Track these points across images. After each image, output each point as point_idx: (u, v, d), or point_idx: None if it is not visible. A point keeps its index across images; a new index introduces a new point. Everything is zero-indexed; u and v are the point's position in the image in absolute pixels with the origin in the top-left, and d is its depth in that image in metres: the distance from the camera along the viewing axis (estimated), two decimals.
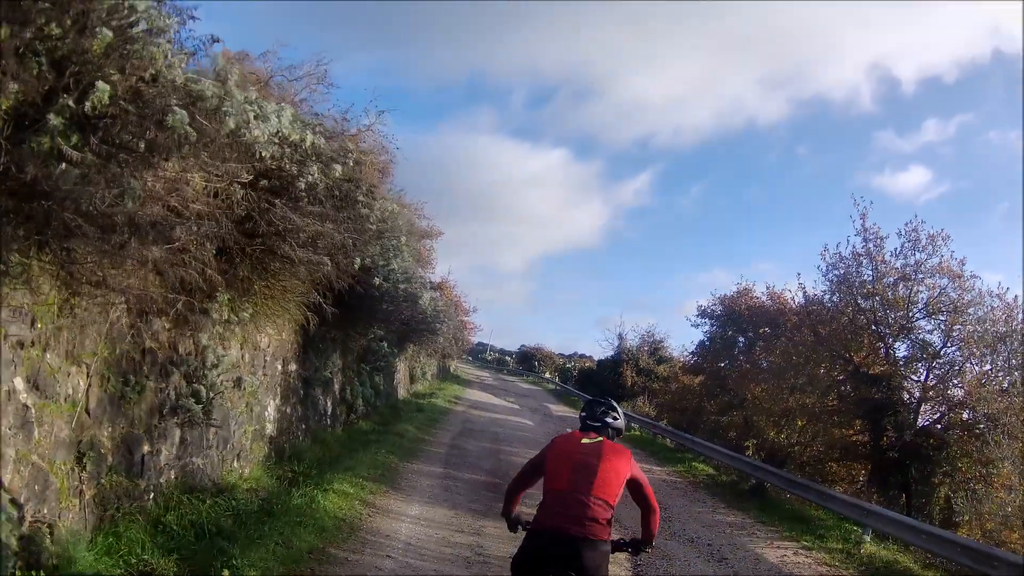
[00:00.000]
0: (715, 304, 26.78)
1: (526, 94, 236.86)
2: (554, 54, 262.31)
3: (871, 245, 17.25)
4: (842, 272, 17.85)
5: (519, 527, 4.89)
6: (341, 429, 17.09)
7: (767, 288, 25.33)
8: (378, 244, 14.72)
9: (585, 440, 4.72)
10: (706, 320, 26.92)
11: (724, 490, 17.54)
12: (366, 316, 15.21)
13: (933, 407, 17.32)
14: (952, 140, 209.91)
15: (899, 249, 16.93)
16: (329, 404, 16.35)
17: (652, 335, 51.36)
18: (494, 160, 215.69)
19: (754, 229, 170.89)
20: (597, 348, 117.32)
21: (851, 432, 18.64)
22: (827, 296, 18.70)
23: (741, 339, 25.65)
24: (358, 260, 13.34)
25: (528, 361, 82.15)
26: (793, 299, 22.57)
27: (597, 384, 49.90)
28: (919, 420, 17.07)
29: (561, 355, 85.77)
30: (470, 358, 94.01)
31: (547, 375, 73.52)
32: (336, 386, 17.00)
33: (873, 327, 17.46)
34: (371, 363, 20.22)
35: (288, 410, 13.31)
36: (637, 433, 28.51)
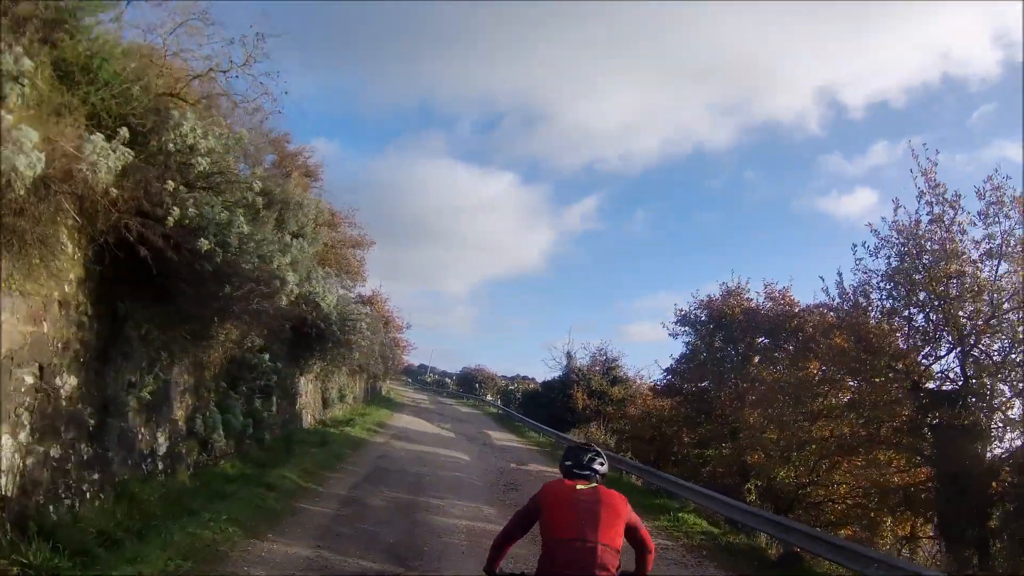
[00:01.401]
0: (697, 308, 21.48)
1: (475, 119, 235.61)
2: (502, 82, 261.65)
3: (942, 209, 12.36)
4: (899, 248, 12.92)
5: None
6: (187, 475, 11.72)
7: (765, 287, 20.32)
8: (218, 198, 9.54)
9: (581, 487, 4.53)
10: (686, 329, 21.64)
11: (739, 559, 12.33)
12: (195, 302, 9.78)
13: None
14: (900, 163, 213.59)
15: (982, 213, 12.10)
16: (161, 439, 10.99)
17: (604, 353, 46.41)
18: (442, 184, 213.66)
19: (701, 253, 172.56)
20: (543, 369, 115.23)
21: (900, 468, 13.77)
22: (877, 286, 13.78)
23: (731, 351, 20.41)
24: (176, 211, 8.21)
25: (469, 383, 76.87)
26: (798, 300, 17.83)
27: (544, 407, 44.81)
28: (1003, 451, 12.27)
29: (504, 377, 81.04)
30: (409, 380, 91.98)
31: (489, 398, 68.41)
32: (178, 412, 11.65)
33: (942, 326, 12.55)
34: (248, 382, 14.79)
35: (52, 452, 7.97)
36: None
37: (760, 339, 19.73)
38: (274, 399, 17.88)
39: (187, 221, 8.81)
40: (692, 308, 21.28)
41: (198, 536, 8.32)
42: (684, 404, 22.15)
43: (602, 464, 4.79)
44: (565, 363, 47.46)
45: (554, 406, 43.85)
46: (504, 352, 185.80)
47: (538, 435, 35.83)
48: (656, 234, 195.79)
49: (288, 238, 18.55)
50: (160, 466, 10.97)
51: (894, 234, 13.08)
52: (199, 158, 9.42)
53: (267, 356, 14.94)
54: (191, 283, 9.34)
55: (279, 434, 18.13)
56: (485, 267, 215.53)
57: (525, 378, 79.25)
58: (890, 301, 13.48)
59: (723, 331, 19.89)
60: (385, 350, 39.42)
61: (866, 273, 13.88)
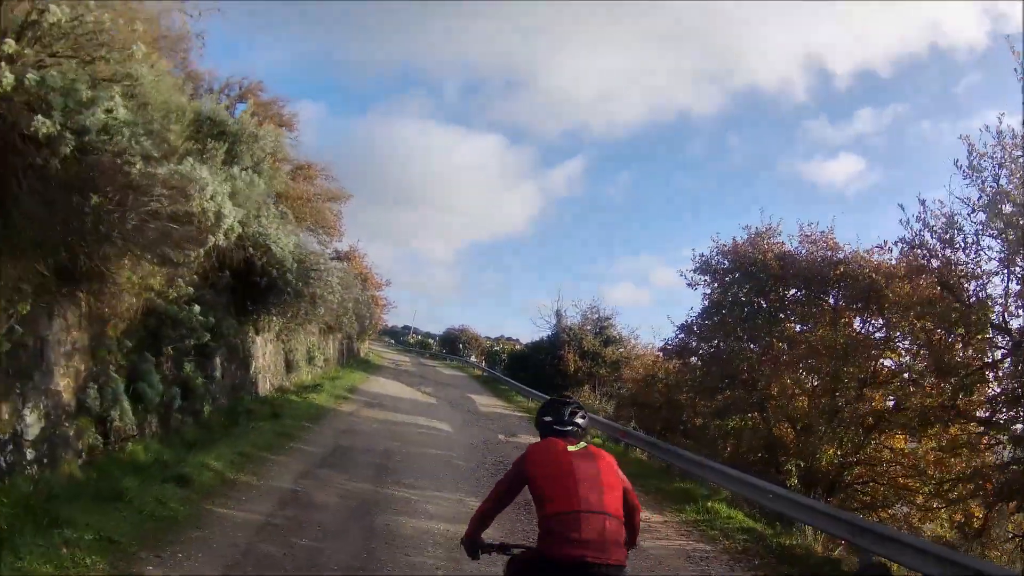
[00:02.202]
0: (719, 254, 18.39)
1: (458, 83, 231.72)
2: (484, 45, 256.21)
3: None
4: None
5: (484, 552, 4.23)
6: (76, 466, 8.81)
7: (800, 230, 17.18)
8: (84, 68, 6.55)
9: (572, 448, 4.03)
10: (706, 279, 18.59)
11: (801, 569, 9.42)
12: (44, 219, 6.76)
13: None
14: (886, 130, 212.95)
15: None
16: (30, 419, 8.04)
17: (596, 311, 43.59)
18: (425, 146, 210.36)
19: (683, 216, 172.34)
20: (528, 329, 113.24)
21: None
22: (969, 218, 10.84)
23: (760, 304, 17.31)
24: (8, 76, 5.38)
25: (452, 344, 73.97)
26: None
27: (531, 370, 42.07)
28: None
29: (488, 338, 78.35)
30: (391, 341, 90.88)
31: (473, 359, 65.63)
32: (61, 381, 8.71)
33: None
34: (175, 341, 11.78)
35: None
36: (597, 441, 20.61)
37: (792, 291, 16.79)
38: (217, 362, 15.00)
39: (26, 96, 5.80)
40: (713, 254, 18.25)
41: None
42: (701, 366, 19.23)
43: (583, 418, 4.33)
44: (554, 322, 44.71)
45: (542, 368, 41.15)
46: (487, 313, 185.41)
47: (527, 400, 33.05)
48: (639, 197, 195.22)
49: (237, 171, 15.69)
50: (30, 455, 8.01)
51: (1000, 151, 10.07)
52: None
53: (197, 309, 11.90)
54: (37, 191, 6.33)
55: (225, 404, 15.22)
56: (469, 229, 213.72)
57: (509, 339, 77.44)
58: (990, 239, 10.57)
59: (751, 281, 16.92)
60: (361, 308, 36.46)
61: (957, 204, 10.93)
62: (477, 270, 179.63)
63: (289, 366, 22.31)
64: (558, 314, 44.55)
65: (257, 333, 18.52)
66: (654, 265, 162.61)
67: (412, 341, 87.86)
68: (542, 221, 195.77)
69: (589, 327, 42.82)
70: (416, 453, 14.64)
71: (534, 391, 32.55)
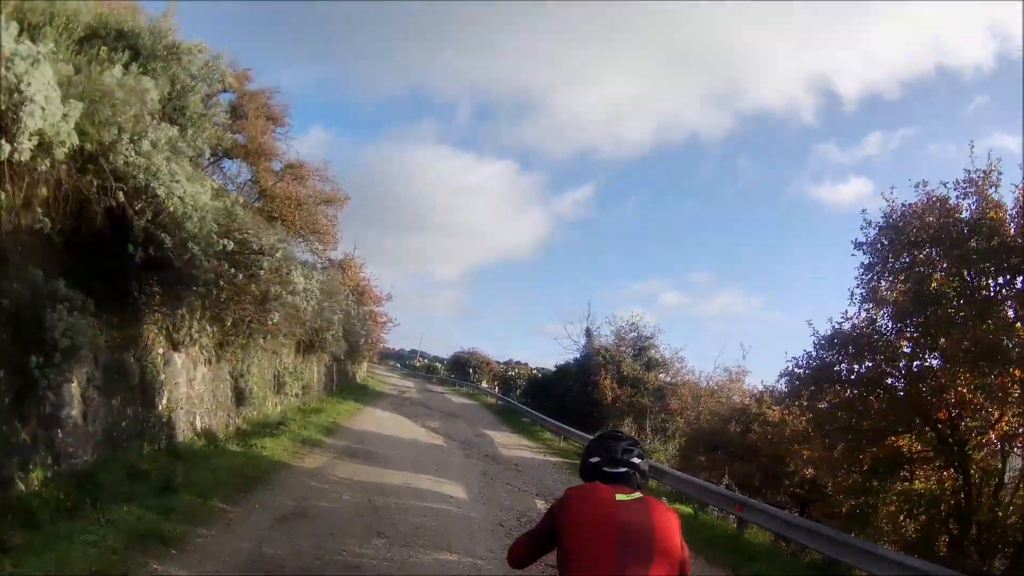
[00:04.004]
0: (892, 220, 11.44)
1: (470, 107, 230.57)
2: (494, 71, 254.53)
3: None
4: None
5: None
6: None
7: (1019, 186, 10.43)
8: None
9: (621, 497, 3.02)
10: (867, 259, 11.78)
11: None
12: None
13: None
14: (894, 153, 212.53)
15: None
16: None
17: (635, 329, 37.05)
18: (436, 170, 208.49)
19: (691, 240, 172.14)
20: (539, 353, 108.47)
21: None
22: None
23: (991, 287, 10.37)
24: None
25: (462, 368, 67.40)
26: None
27: (556, 399, 35.50)
28: None
29: (498, 362, 72.21)
30: (397, 365, 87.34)
31: (484, 384, 59.12)
32: None
33: None
34: None
35: None
36: (687, 510, 14.35)
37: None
38: (72, 392, 8.78)
39: None
40: (891, 217, 11.44)
41: None
42: (856, 398, 12.50)
43: (640, 457, 3.26)
44: (583, 343, 38.05)
45: (569, 397, 34.66)
46: (493, 336, 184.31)
47: (556, 438, 26.49)
48: (648, 221, 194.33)
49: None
50: None
51: None
52: None
53: (64, 308, 5.80)
54: None
55: (86, 463, 8.90)
56: (477, 253, 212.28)
57: (518, 363, 72.54)
58: None
59: (963, 261, 10.20)
60: (354, 324, 30.03)
61: None
62: (485, 294, 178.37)
63: (240, 397, 15.81)
64: (588, 333, 37.97)
65: (175, 347, 12.13)
66: (662, 288, 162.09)
67: (418, 365, 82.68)
68: (551, 245, 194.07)
69: (626, 348, 36.31)
70: (409, 563, 8.15)
71: (567, 427, 25.96)
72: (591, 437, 22.00)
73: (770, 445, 18.66)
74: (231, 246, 11.85)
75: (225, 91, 34.39)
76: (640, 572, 2.80)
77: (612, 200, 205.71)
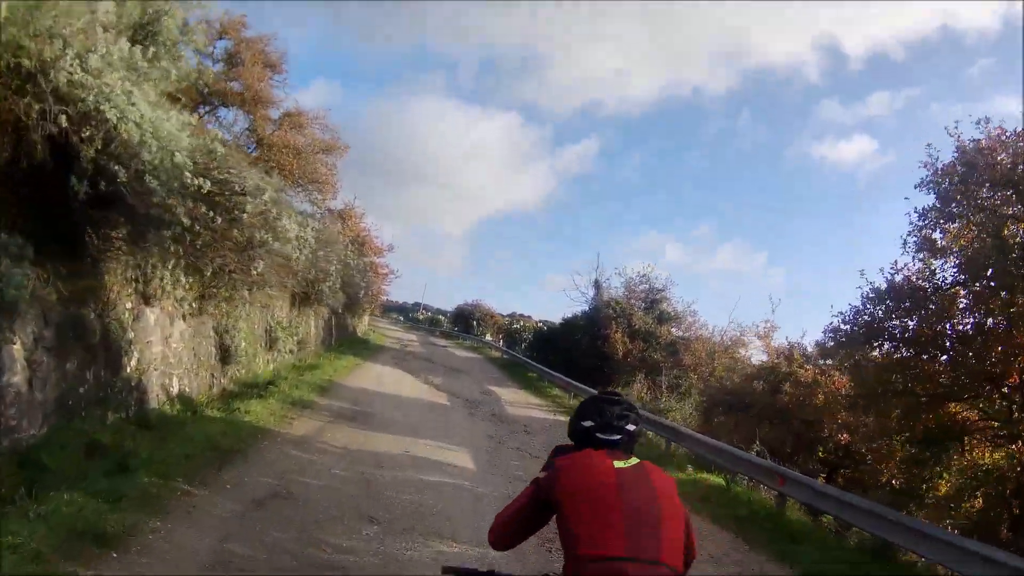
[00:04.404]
0: (966, 155, 9.88)
1: (476, 62, 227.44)
2: (502, 26, 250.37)
3: None
4: None
5: None
6: None
7: None
8: None
9: (619, 464, 2.82)
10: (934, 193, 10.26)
11: None
12: None
13: None
14: (898, 113, 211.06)
15: None
16: None
17: (647, 280, 35.63)
18: (441, 124, 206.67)
19: (695, 195, 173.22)
20: (541, 306, 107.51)
21: None
22: None
23: None
24: None
25: (466, 321, 66.16)
26: None
27: (563, 352, 34.22)
28: None
29: (502, 315, 71.16)
30: (400, 318, 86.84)
31: (488, 338, 57.98)
32: None
33: None
34: None
35: None
36: (717, 481, 13.17)
37: None
38: (13, 354, 7.51)
39: None
40: (963, 153, 9.94)
41: None
42: (910, 362, 11.14)
43: (635, 424, 3.01)
44: (592, 295, 36.60)
45: (578, 351, 33.35)
46: (498, 291, 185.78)
47: (566, 394, 25.24)
48: (651, 176, 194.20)
49: None
50: None
51: None
52: None
53: None
54: None
55: (32, 439, 7.64)
56: (481, 207, 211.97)
57: (522, 316, 71.29)
58: None
59: None
60: (353, 275, 28.66)
61: None
62: (489, 247, 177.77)
63: (226, 355, 14.49)
64: (597, 285, 36.51)
65: (146, 301, 10.78)
66: (664, 243, 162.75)
67: (421, 318, 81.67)
68: (555, 199, 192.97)
69: (637, 301, 34.94)
70: (404, 559, 6.86)
71: (577, 383, 24.69)
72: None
73: (801, 407, 17.38)
74: (208, 186, 10.50)
75: (221, 38, 32.99)
76: (651, 542, 2.61)
77: (616, 155, 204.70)
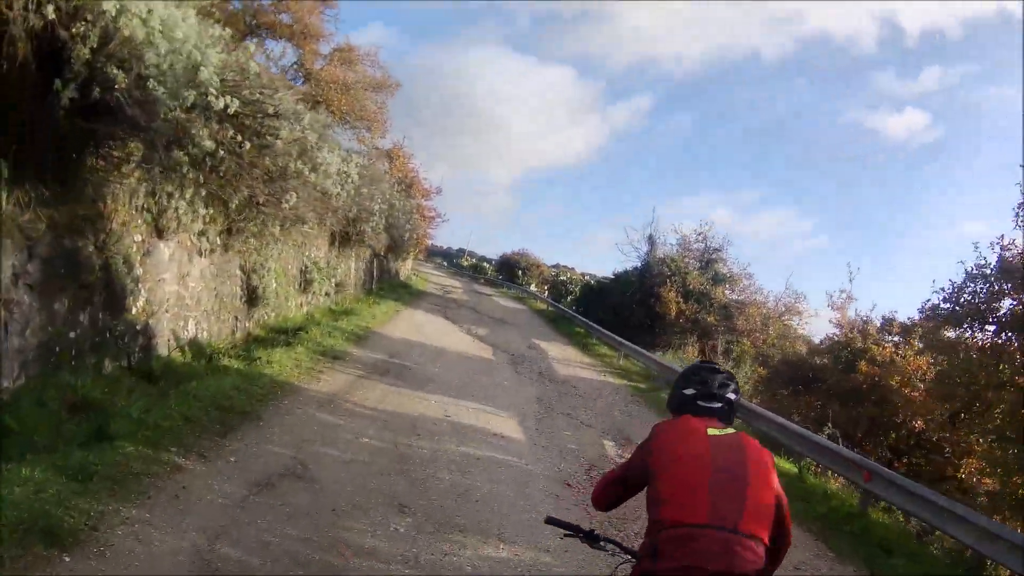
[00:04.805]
0: None
1: (533, 11, 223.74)
2: None
3: None
4: None
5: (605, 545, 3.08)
6: None
7: None
8: None
9: (713, 432, 2.82)
10: None
11: None
12: None
13: None
14: (951, 89, 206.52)
15: None
16: None
17: (703, 238, 33.86)
18: (495, 73, 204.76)
19: (744, 158, 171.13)
20: (585, 259, 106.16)
21: None
22: None
23: None
24: None
25: (511, 270, 64.65)
26: None
27: (612, 310, 32.69)
28: None
29: (548, 266, 69.84)
30: (444, 263, 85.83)
31: (533, 288, 56.56)
32: None
33: None
34: None
35: None
36: (784, 465, 11.70)
37: None
38: None
39: None
40: None
41: None
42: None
43: (735, 393, 3.06)
44: (645, 250, 34.88)
45: (627, 309, 31.80)
46: (543, 241, 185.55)
47: (615, 353, 23.78)
48: (702, 137, 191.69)
49: None
50: None
51: None
52: None
53: None
54: None
55: (6, 392, 6.41)
56: (529, 158, 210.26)
57: (565, 267, 71.27)
58: None
59: None
60: (398, 217, 27.31)
61: None
62: (535, 198, 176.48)
63: (253, 297, 13.23)
64: (651, 240, 34.77)
65: (160, 234, 9.48)
66: (714, 204, 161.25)
67: (466, 264, 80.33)
68: (604, 154, 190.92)
69: (691, 260, 33.21)
70: (441, 565, 5.54)
71: (628, 343, 23.20)
72: (660, 359, 18.51)
73: (874, 388, 15.77)
74: (235, 106, 9.13)
75: None
76: (733, 510, 2.57)
77: (667, 114, 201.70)
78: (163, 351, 9.67)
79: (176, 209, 9.32)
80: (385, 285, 30.63)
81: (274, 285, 14.03)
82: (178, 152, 8.30)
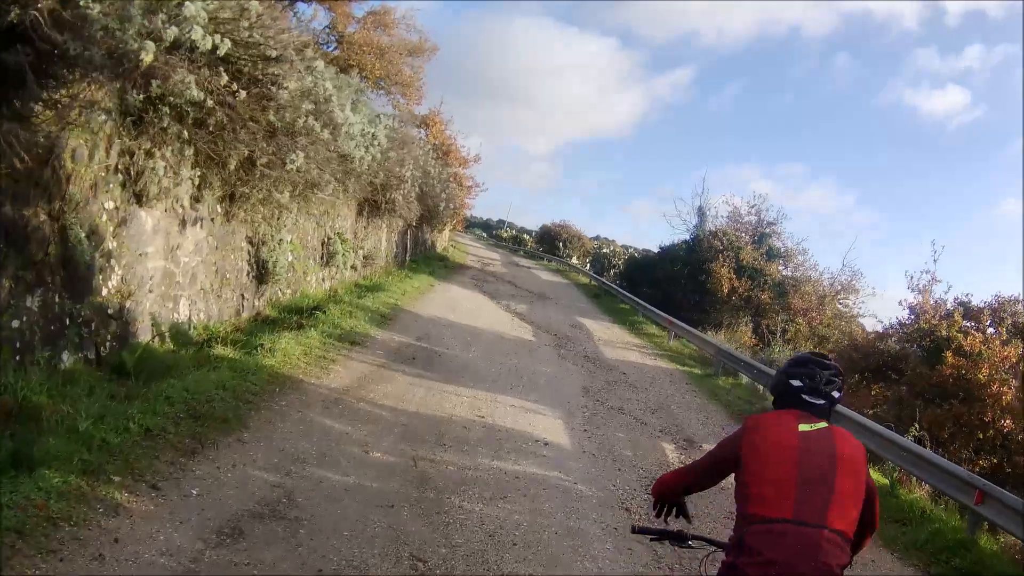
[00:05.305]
0: None
1: None
2: None
3: None
4: None
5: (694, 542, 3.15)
6: None
7: None
8: None
9: (804, 427, 2.80)
10: None
11: None
12: None
13: None
14: (994, 68, 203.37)
15: None
16: None
17: (757, 211, 31.85)
18: (536, 43, 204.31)
19: (786, 132, 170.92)
20: (626, 231, 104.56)
21: None
22: None
23: None
24: None
25: (552, 242, 62.75)
26: None
27: (659, 285, 30.89)
28: None
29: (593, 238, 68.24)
30: (483, 234, 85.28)
31: (575, 261, 54.82)
32: None
33: None
34: None
35: None
36: (878, 478, 9.90)
37: None
38: None
39: None
40: None
41: None
42: None
43: (840, 391, 2.92)
44: (695, 223, 32.88)
45: (675, 284, 29.96)
46: (583, 213, 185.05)
47: (664, 333, 22.07)
48: (744, 110, 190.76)
49: None
50: None
51: None
52: None
53: None
54: None
55: None
56: (570, 129, 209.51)
57: (606, 239, 71.24)
58: None
59: None
60: (433, 185, 25.70)
61: None
62: (576, 169, 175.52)
63: (263, 272, 11.69)
64: (701, 213, 32.75)
65: (139, 200, 7.92)
66: (757, 178, 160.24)
67: (505, 236, 78.69)
68: (645, 125, 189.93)
69: (744, 233, 31.21)
70: None
71: (680, 322, 21.43)
72: (719, 343, 16.29)
73: (961, 382, 13.91)
74: (227, 47, 7.61)
75: None
76: (818, 505, 2.57)
77: (710, 87, 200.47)
78: (145, 337, 8.17)
79: (155, 170, 7.75)
80: (420, 258, 29.09)
81: (289, 258, 12.48)
82: (154, 102, 6.76)
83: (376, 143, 14.93)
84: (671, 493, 3.17)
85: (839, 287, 29.17)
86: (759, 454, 2.72)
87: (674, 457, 9.17)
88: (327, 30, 32.26)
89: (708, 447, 9.84)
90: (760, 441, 2.76)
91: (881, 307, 39.96)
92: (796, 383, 2.90)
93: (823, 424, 2.79)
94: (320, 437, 6.77)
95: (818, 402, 2.86)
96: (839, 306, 28.80)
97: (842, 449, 2.70)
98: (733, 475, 2.84)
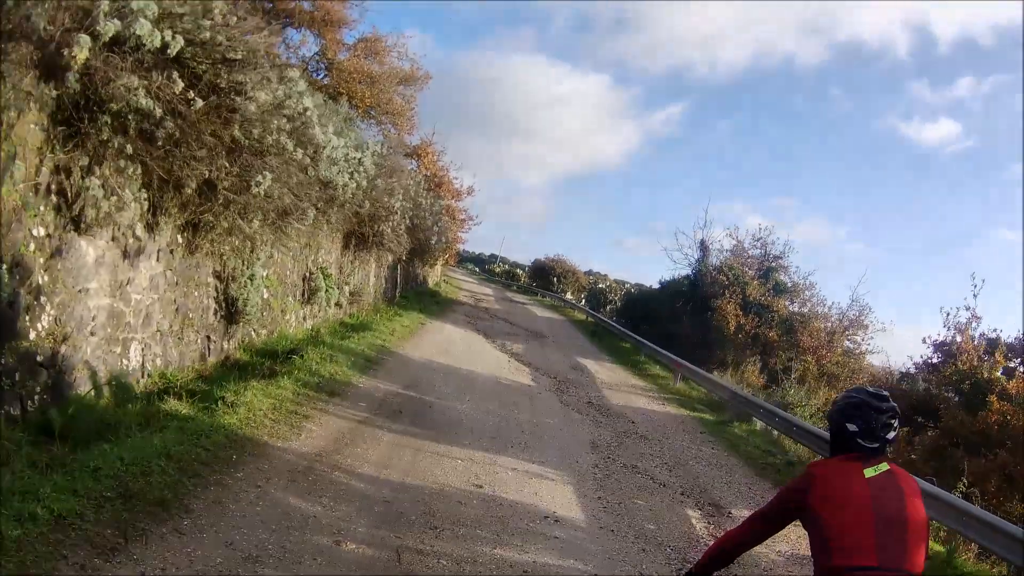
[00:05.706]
0: None
1: (568, 18, 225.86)
2: None
3: None
4: None
5: None
6: None
7: None
8: None
9: (869, 472, 2.78)
10: None
11: None
12: None
13: None
14: (985, 97, 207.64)
15: None
16: None
17: (762, 244, 30.68)
18: (530, 79, 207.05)
19: (778, 165, 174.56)
20: (618, 265, 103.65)
21: None
22: None
23: None
24: None
25: (544, 276, 61.54)
26: None
27: (660, 322, 29.63)
28: None
29: (587, 272, 67.43)
30: (476, 269, 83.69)
31: (569, 296, 53.66)
32: None
33: None
34: None
35: None
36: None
37: None
38: None
39: None
40: None
41: None
42: None
43: (896, 430, 2.89)
44: (697, 257, 31.62)
45: (677, 321, 28.68)
46: (576, 248, 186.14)
47: (669, 375, 20.77)
48: (737, 144, 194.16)
49: None
50: None
51: None
52: None
53: None
54: None
55: None
56: (562, 164, 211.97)
57: (598, 273, 69.94)
58: None
59: None
60: (424, 217, 24.48)
61: None
62: (568, 204, 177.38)
63: (233, 310, 10.36)
64: (703, 246, 31.52)
65: (76, 227, 6.63)
66: (747, 213, 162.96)
67: (498, 271, 77.82)
68: (637, 160, 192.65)
69: (749, 267, 30.01)
70: None
71: (686, 362, 20.12)
72: (732, 386, 14.72)
73: (1004, 429, 12.65)
74: (179, 45, 6.42)
75: None
76: (900, 550, 2.58)
77: (702, 121, 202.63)
78: (84, 388, 6.84)
79: (90, 190, 6.47)
80: (410, 294, 27.78)
81: (264, 295, 11.19)
82: (91, 109, 5.51)
83: (362, 170, 13.73)
84: (736, 547, 3.05)
85: (847, 323, 28.03)
86: (834, 506, 2.67)
87: (701, 527, 7.86)
88: (317, 57, 31.36)
89: (737, 513, 8.55)
90: (832, 492, 2.71)
91: (887, 343, 38.59)
92: (851, 427, 2.86)
93: (884, 466, 2.78)
94: (281, 523, 5.41)
95: (872, 445, 2.82)
96: (847, 343, 27.66)
97: (906, 489, 2.73)
98: (807, 528, 2.78)
